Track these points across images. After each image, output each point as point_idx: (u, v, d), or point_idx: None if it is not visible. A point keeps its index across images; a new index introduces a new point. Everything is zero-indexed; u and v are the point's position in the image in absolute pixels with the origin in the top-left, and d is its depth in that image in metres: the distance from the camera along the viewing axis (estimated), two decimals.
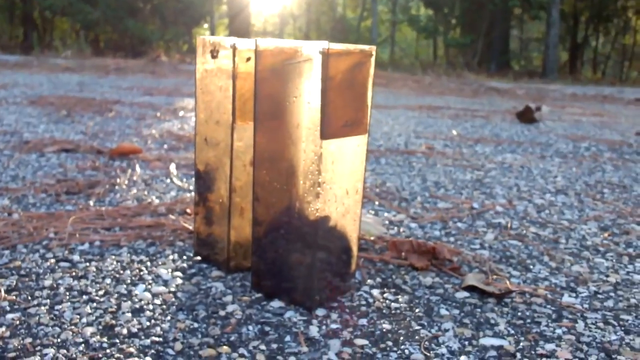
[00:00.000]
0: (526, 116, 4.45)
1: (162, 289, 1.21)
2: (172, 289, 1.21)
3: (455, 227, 1.73)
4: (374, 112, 5.09)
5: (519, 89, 8.57)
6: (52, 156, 2.46)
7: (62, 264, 1.33)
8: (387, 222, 1.75)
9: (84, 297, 1.16)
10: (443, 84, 8.71)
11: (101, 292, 1.18)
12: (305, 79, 1.07)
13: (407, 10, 21.21)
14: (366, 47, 1.14)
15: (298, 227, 1.13)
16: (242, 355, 0.96)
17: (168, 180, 2.16)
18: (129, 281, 1.25)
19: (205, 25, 22.37)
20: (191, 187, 2.06)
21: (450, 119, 4.63)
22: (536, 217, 1.87)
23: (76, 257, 1.36)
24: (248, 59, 1.23)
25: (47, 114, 3.69)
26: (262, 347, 0.99)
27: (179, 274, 1.29)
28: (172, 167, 2.37)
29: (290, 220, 1.14)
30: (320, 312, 1.13)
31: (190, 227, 1.58)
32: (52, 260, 1.34)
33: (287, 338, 1.03)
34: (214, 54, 1.26)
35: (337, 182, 1.14)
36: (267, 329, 1.06)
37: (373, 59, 1.16)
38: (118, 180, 2.10)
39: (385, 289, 1.26)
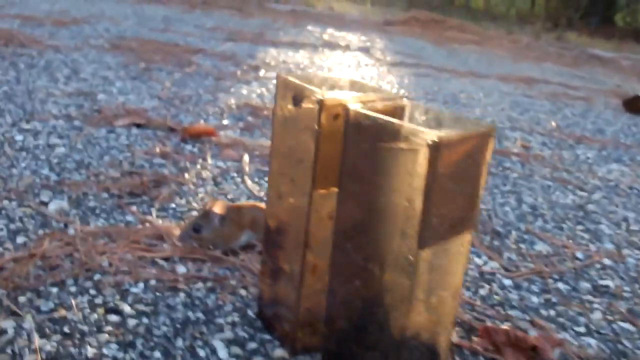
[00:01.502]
0: (635, 106, 4.04)
1: None
2: None
3: (556, 291, 1.50)
4: (465, 81, 4.76)
5: (625, 59, 7.91)
6: (122, 132, 2.33)
7: (111, 317, 1.19)
8: (477, 274, 1.54)
9: None
10: (541, 46, 8.12)
11: None
12: (403, 168, 0.86)
13: None
14: (484, 128, 0.91)
15: (380, 341, 0.94)
16: None
17: (239, 180, 1.99)
18: (179, 357, 1.09)
19: None
20: (262, 193, 1.88)
21: (547, 101, 4.26)
22: None
23: (127, 308, 1.22)
24: (336, 117, 1.02)
25: (125, 66, 3.57)
26: None
27: (237, 350, 1.13)
28: (246, 158, 2.19)
29: (372, 331, 0.95)
30: None
31: (258, 266, 1.41)
32: (101, 311, 1.20)
33: None
34: (297, 102, 1.05)
35: (433, 291, 0.94)
36: None
37: (493, 141, 0.93)
38: (186, 176, 1.95)
39: None
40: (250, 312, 1.26)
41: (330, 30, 6.87)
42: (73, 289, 1.27)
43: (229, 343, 1.15)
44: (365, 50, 5.70)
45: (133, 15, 6.18)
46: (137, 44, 4.33)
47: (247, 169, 2.11)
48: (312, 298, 1.12)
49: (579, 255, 1.74)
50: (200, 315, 1.23)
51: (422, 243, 0.87)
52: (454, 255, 0.95)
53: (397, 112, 1.02)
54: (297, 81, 1.07)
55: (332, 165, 1.04)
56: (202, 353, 1.11)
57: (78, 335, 1.12)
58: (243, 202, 1.57)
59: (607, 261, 1.71)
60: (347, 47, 5.73)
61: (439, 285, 0.94)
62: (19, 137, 2.14)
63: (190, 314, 1.23)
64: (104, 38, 4.49)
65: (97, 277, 1.32)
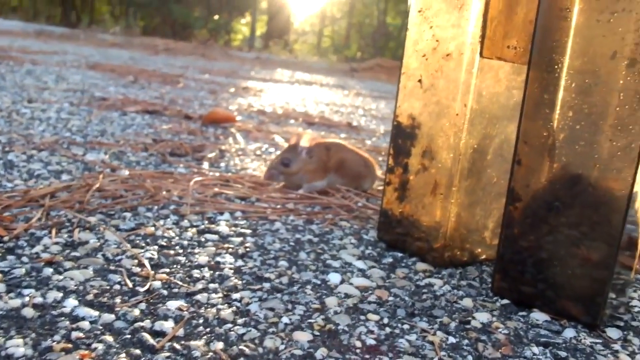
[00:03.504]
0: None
1: (364, 281, 0.85)
2: (380, 283, 0.85)
3: None
4: None
5: None
6: (136, 116, 2.12)
7: (210, 236, 0.97)
8: None
9: (265, 284, 0.80)
10: None
11: (285, 280, 0.82)
12: None
13: None
14: None
15: (590, 205, 0.76)
16: None
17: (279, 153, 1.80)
18: (313, 267, 0.88)
19: (243, 21, 22.02)
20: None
21: None
22: None
23: (224, 229, 1.01)
24: None
25: (112, 79, 3.36)
26: None
27: (372, 263, 0.93)
28: (279, 139, 2.01)
29: (575, 196, 0.77)
30: (615, 333, 0.76)
31: (350, 203, 1.22)
32: (193, 231, 0.99)
33: None
34: None
35: None
36: (561, 354, 0.69)
37: None
38: (224, 147, 1.74)
39: None
40: (365, 237, 1.06)
41: (299, 73, 6.81)
42: (149, 214, 1.05)
43: (360, 258, 0.95)
44: (341, 87, 5.63)
45: (98, 54, 5.97)
46: (116, 67, 4.12)
47: (285, 145, 1.93)
48: (460, 210, 0.93)
49: None
50: (311, 237, 1.03)
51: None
52: None
53: None
54: None
55: (507, 26, 0.88)
56: (335, 264, 0.91)
57: (179, 248, 0.90)
58: (331, 139, 1.37)
59: None
60: (322, 84, 5.65)
61: None
62: (25, 111, 1.91)
63: (298, 236, 1.02)
64: (78, 63, 4.27)
65: (172, 207, 1.10)
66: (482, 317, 0.77)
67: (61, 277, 0.74)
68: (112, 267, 0.80)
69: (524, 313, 0.80)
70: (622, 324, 0.80)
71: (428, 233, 0.95)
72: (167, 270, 0.81)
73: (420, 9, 0.95)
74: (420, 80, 0.96)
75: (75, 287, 0.72)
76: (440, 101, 0.92)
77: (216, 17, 15.16)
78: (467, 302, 0.81)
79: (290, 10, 19.76)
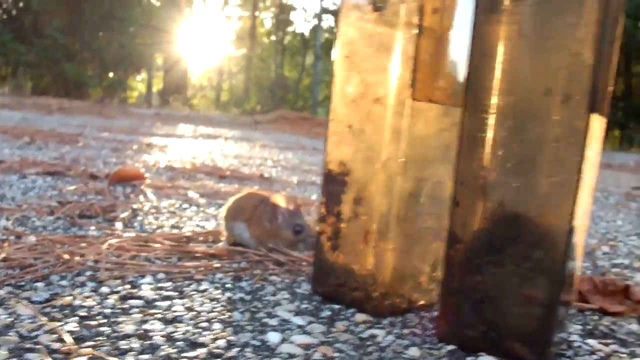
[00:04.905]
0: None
1: (306, 338, 0.80)
2: (322, 339, 0.81)
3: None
4: None
5: None
6: (37, 178, 1.99)
7: (133, 302, 0.90)
8: None
9: (201, 350, 0.74)
10: None
11: (222, 343, 0.77)
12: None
13: None
14: None
15: (531, 242, 0.76)
16: None
17: (194, 208, 1.74)
18: (249, 327, 0.83)
19: (139, 77, 21.75)
20: None
21: None
22: None
23: (149, 294, 0.94)
24: (435, 11, 0.87)
25: (6, 140, 3.19)
26: None
27: (310, 318, 0.89)
28: (193, 194, 1.95)
29: (515, 234, 0.77)
30: None
31: (280, 258, 1.17)
32: (115, 297, 0.91)
33: None
34: (378, 5, 0.90)
35: (588, 178, 0.79)
36: None
37: None
38: (136, 206, 1.66)
39: (595, 338, 0.89)
40: (298, 290, 1.02)
41: (202, 127, 6.75)
42: (64, 282, 0.97)
43: (297, 314, 0.90)
44: (246, 139, 5.61)
45: None
46: (8, 129, 3.92)
47: (201, 200, 1.86)
48: (390, 256, 0.91)
49: None
50: (242, 295, 0.97)
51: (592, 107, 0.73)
52: (600, 131, 0.82)
53: None
54: None
55: (437, 68, 0.89)
56: (272, 322, 0.86)
57: (101, 318, 0.82)
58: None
59: None
60: (227, 138, 5.61)
61: (591, 171, 0.80)
62: None
63: (228, 294, 0.97)
64: None
65: (88, 273, 1.02)
66: None
67: None
68: (28, 345, 0.72)
69: (471, 358, 0.78)
70: None
71: (365, 282, 0.93)
72: (91, 343, 0.74)
73: (347, 54, 0.94)
74: (350, 126, 0.94)
75: None
76: (372, 146, 0.91)
77: (111, 74, 14.90)
78: (414, 352, 0.79)
79: (187, 66, 19.74)
